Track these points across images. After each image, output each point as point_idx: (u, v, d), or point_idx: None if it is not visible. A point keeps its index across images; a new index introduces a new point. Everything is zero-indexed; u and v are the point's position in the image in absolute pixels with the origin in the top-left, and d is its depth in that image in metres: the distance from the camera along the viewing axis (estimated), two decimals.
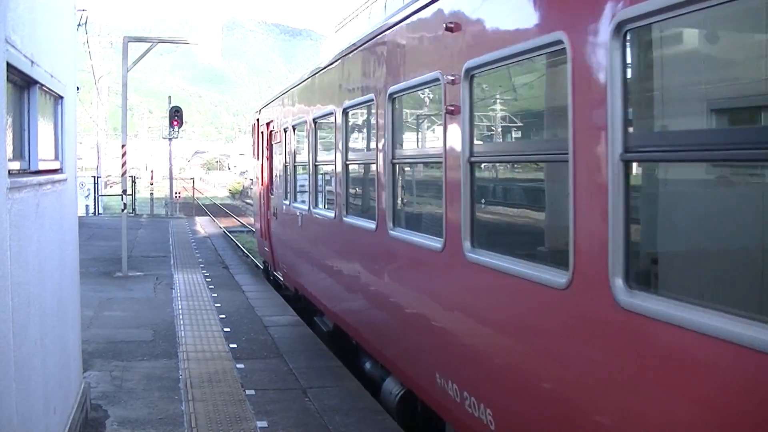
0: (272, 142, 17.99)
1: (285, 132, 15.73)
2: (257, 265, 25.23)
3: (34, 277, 5.96)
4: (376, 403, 9.55)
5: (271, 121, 17.85)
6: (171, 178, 49.71)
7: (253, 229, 40.31)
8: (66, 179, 7.74)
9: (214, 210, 59.04)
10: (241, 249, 29.93)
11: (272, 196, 17.84)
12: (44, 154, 6.71)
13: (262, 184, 19.54)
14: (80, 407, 8.15)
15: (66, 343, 7.64)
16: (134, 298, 16.82)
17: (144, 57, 23.37)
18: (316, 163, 12.80)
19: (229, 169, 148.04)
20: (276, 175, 17.33)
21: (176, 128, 38.91)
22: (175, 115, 37.16)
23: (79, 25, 34.74)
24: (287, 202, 15.38)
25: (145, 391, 9.89)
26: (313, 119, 12.66)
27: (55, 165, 7.40)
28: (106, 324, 13.98)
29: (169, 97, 48.77)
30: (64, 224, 7.71)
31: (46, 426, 6.36)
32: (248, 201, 78.85)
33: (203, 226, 39.00)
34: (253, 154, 21.49)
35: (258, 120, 20.30)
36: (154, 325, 13.84)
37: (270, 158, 18.24)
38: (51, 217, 6.83)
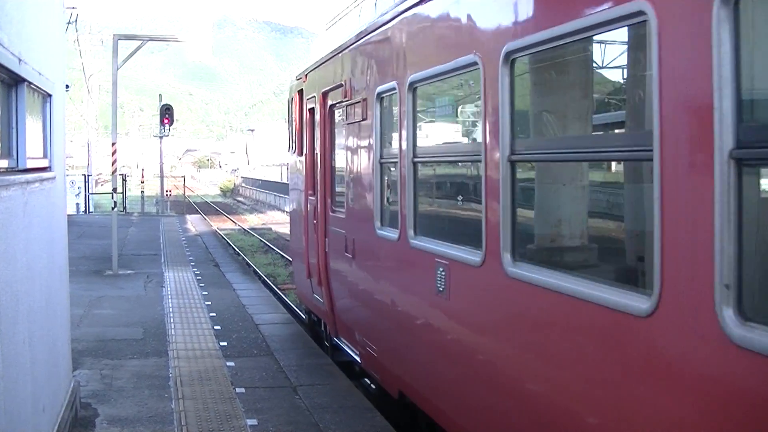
0: (337, 124, 10.73)
1: (380, 101, 8.56)
2: (248, 263, 25.22)
3: (22, 275, 5.94)
4: (366, 401, 9.56)
5: (339, 85, 10.13)
6: (162, 176, 49.61)
7: (245, 228, 40.60)
8: (55, 177, 7.73)
9: (205, 208, 59.01)
10: (232, 247, 29.93)
11: (335, 216, 10.63)
12: (32, 152, 6.69)
13: (311, 194, 11.98)
14: (70, 406, 8.14)
15: (55, 342, 7.63)
16: (124, 297, 16.78)
17: (134, 55, 23.35)
18: (514, 157, 5.58)
19: (220, 167, 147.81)
20: (347, 182, 9.98)
21: (167, 126, 38.86)
22: (166, 113, 37.10)
23: (69, 23, 34.69)
24: (391, 234, 8.12)
25: (135, 389, 9.87)
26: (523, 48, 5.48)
27: (44, 163, 7.38)
28: (96, 322, 13.95)
29: (160, 95, 48.74)
30: (52, 222, 7.69)
31: (35, 425, 6.35)
32: (239, 199, 78.87)
33: (194, 224, 38.95)
34: (291, 145, 13.99)
35: (301, 91, 12.81)
36: (144, 324, 13.81)
37: (328, 151, 11.07)
38: (39, 216, 6.81)
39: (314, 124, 11.96)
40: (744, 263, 3.49)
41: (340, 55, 10.43)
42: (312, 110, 12.08)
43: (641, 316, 4.04)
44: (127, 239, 28.39)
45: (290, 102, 13.99)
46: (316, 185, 11.67)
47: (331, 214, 10.87)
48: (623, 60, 4.89)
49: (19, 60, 5.82)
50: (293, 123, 13.62)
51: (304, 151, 12.60)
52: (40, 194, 6.87)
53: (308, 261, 12.26)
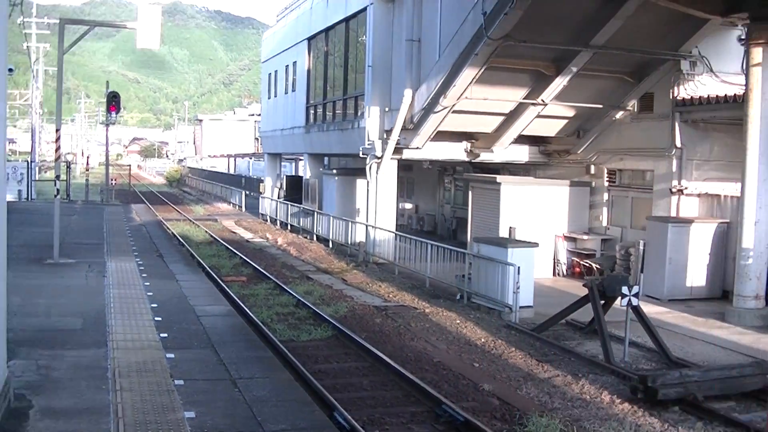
0: None
1: None
2: (192, 255, 24.98)
3: None
4: (306, 395, 9.58)
5: None
6: (107, 165, 48.93)
7: (191, 219, 40.04)
8: None
9: (151, 197, 58.23)
10: (177, 238, 29.65)
11: None
12: None
13: None
14: (3, 397, 8.02)
15: None
16: (65, 286, 16.52)
17: (81, 40, 22.98)
18: None
19: (167, 156, 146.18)
20: None
21: (114, 114, 38.48)
22: (113, 101, 36.70)
23: (14, 5, 33.99)
24: None
25: (72, 380, 9.75)
26: None
27: None
28: (35, 312, 13.71)
29: (107, 82, 48.13)
30: None
31: None
32: (185, 189, 78.08)
33: (139, 213, 38.52)
34: None
35: None
36: (84, 314, 13.62)
37: None
38: None
39: None
40: None
41: None
42: None
43: None
44: (70, 228, 27.94)
45: None
46: None
47: None
48: None
49: None
50: None
51: None
52: None
53: None
